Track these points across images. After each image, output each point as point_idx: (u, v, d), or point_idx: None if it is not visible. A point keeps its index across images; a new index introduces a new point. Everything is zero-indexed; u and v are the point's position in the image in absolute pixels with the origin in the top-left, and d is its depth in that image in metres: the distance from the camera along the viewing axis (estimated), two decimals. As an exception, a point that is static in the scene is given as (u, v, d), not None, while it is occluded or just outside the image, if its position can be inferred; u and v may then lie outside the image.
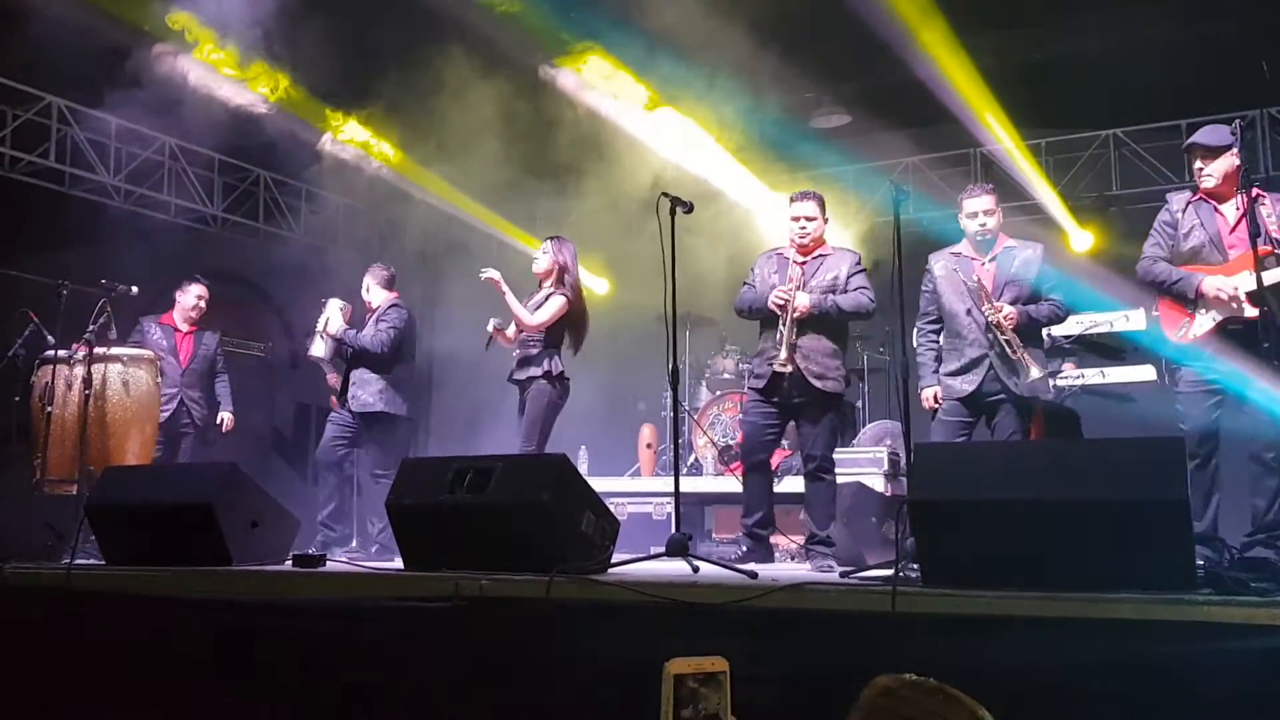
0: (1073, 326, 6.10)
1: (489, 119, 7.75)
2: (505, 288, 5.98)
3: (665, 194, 4.71)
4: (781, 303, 4.95)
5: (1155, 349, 5.60)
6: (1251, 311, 4.40)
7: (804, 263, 5.09)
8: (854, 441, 7.90)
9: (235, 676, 3.79)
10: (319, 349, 6.60)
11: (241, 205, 9.99)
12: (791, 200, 5.21)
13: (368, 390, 6.48)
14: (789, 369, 4.91)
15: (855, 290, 5.02)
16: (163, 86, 7.64)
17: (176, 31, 7.43)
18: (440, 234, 10.95)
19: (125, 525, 4.81)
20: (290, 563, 4.62)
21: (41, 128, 8.39)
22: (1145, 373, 6.16)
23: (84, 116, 8.52)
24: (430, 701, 3.45)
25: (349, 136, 8.86)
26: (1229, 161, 4.60)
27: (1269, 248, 4.35)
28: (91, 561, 4.89)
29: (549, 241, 6.25)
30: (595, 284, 10.47)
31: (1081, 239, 8.77)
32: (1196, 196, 4.73)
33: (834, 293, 5.02)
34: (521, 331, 6.05)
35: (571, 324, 6.09)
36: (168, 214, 9.40)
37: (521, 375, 6.00)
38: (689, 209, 4.76)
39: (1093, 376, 6.23)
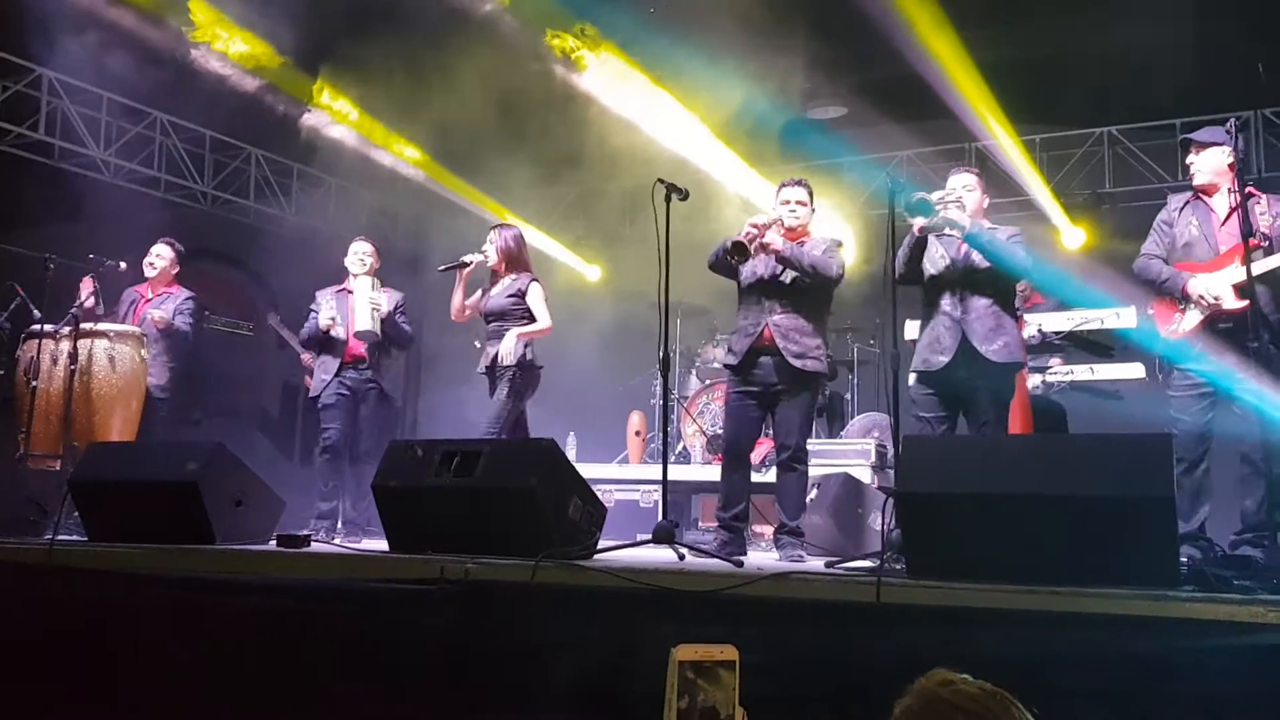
0: (1063, 323, 6.11)
1: (484, 101, 7.72)
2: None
3: (661, 180, 4.69)
4: (754, 230, 4.91)
5: (1145, 346, 5.63)
6: (1238, 304, 4.45)
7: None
8: (842, 433, 7.92)
9: (216, 656, 3.78)
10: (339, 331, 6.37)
11: (232, 183, 9.94)
12: (783, 185, 5.23)
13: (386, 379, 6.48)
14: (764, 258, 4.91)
15: (824, 254, 5.02)
16: (156, 60, 7.59)
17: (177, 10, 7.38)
18: (432, 217, 10.96)
19: (109, 502, 4.79)
20: (274, 543, 4.60)
21: (31, 100, 8.32)
22: (1134, 370, 6.17)
23: (74, 89, 8.45)
24: (414, 684, 3.45)
25: (339, 113, 8.81)
26: (1218, 158, 4.70)
27: (1257, 241, 4.45)
28: (74, 538, 4.86)
29: (492, 231, 6.21)
30: (588, 270, 10.48)
31: (1074, 236, 8.79)
32: (1194, 196, 4.82)
33: None
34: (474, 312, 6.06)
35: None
36: (158, 190, 9.35)
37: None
38: (684, 196, 4.75)
39: (1082, 373, 6.24)
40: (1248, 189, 4.55)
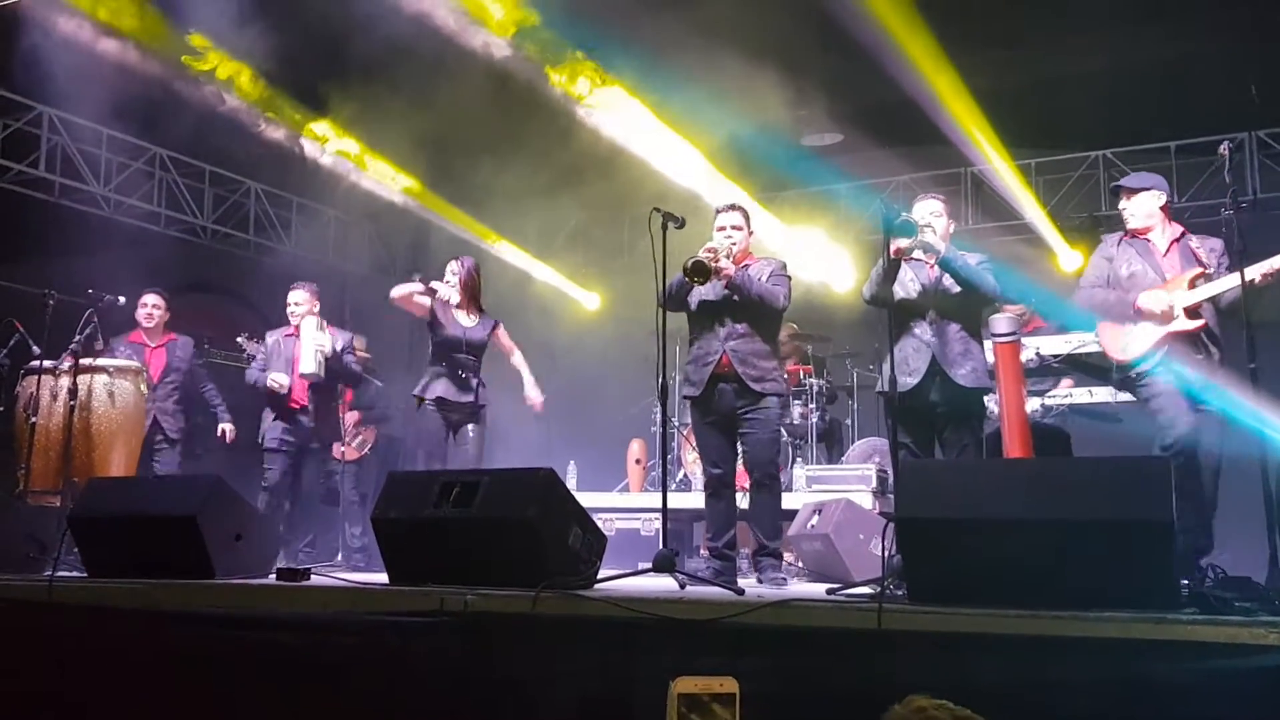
0: (1061, 346, 6.11)
1: (482, 132, 7.77)
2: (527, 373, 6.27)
3: (657, 209, 4.72)
4: (712, 254, 4.93)
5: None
6: (1189, 324, 4.57)
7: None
8: (842, 459, 7.90)
9: (218, 691, 3.76)
10: (307, 365, 6.67)
11: (232, 217, 9.98)
12: (718, 212, 5.31)
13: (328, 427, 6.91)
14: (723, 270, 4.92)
15: (773, 282, 5.04)
16: (155, 97, 7.63)
17: (178, 48, 7.43)
18: (432, 248, 10.99)
19: (108, 537, 4.76)
20: (274, 576, 4.59)
21: (32, 137, 8.37)
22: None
23: (74, 126, 8.50)
24: (415, 716, 3.43)
25: (337, 148, 8.86)
26: (1149, 202, 4.83)
27: (1201, 270, 4.62)
28: (73, 574, 4.85)
29: (454, 263, 6.32)
30: (587, 299, 10.50)
31: (1071, 259, 8.81)
32: (1128, 235, 4.93)
33: None
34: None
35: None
36: (157, 225, 9.38)
37: (467, 399, 6.05)
38: (681, 224, 4.78)
39: (1080, 395, 6.24)
40: (1164, 228, 4.79)
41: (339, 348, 6.72)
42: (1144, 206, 4.84)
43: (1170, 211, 4.86)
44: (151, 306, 7.02)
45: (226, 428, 7.18)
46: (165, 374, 6.98)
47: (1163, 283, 4.71)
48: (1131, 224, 4.88)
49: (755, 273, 5.09)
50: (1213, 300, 4.58)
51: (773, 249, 8.35)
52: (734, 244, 5.11)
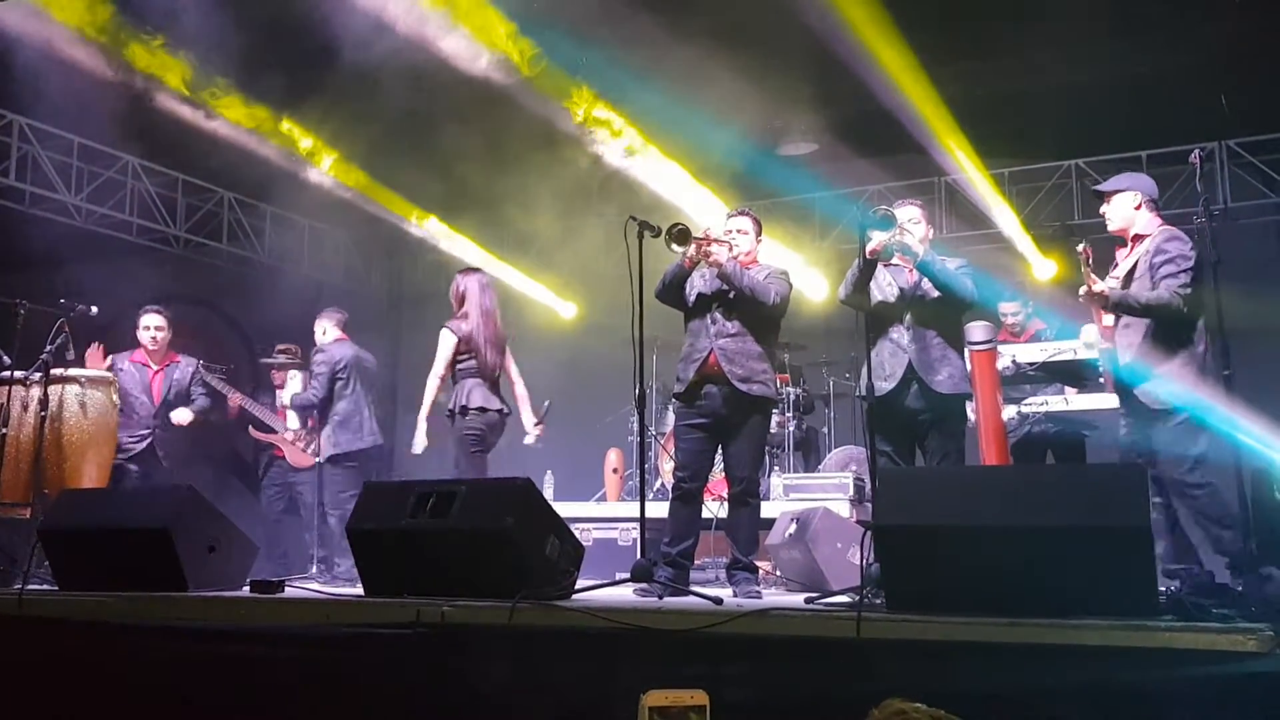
0: (1036, 354, 6.13)
1: (460, 141, 7.74)
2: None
3: (633, 217, 4.71)
4: (704, 237, 4.92)
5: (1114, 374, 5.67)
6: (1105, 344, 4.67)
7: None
8: (819, 467, 7.92)
9: (191, 704, 3.72)
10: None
11: (205, 226, 9.90)
12: (729, 216, 5.31)
13: (326, 439, 6.82)
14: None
15: (768, 280, 5.03)
16: (126, 106, 7.57)
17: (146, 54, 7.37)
18: (410, 256, 10.95)
19: (79, 549, 4.72)
20: (248, 589, 4.54)
21: (2, 145, 8.28)
22: (1109, 400, 6.19)
23: (45, 135, 8.42)
24: (390, 729, 3.40)
25: (314, 158, 8.82)
26: (1124, 204, 4.79)
27: (1103, 289, 4.53)
28: (44, 587, 4.79)
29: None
30: (563, 307, 10.48)
31: (1044, 267, 8.87)
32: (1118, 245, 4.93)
33: None
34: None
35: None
36: (130, 234, 9.30)
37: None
38: (657, 233, 4.76)
39: (1057, 403, 6.27)
40: (1135, 233, 4.72)
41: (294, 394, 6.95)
42: (1120, 209, 4.80)
43: (1155, 210, 4.76)
44: (155, 329, 6.96)
45: (183, 410, 6.98)
46: (167, 396, 6.94)
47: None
48: (1110, 227, 4.87)
49: (754, 273, 5.07)
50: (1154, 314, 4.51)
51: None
52: (735, 244, 5.10)
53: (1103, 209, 4.90)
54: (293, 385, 6.98)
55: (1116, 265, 4.77)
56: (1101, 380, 5.02)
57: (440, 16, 6.95)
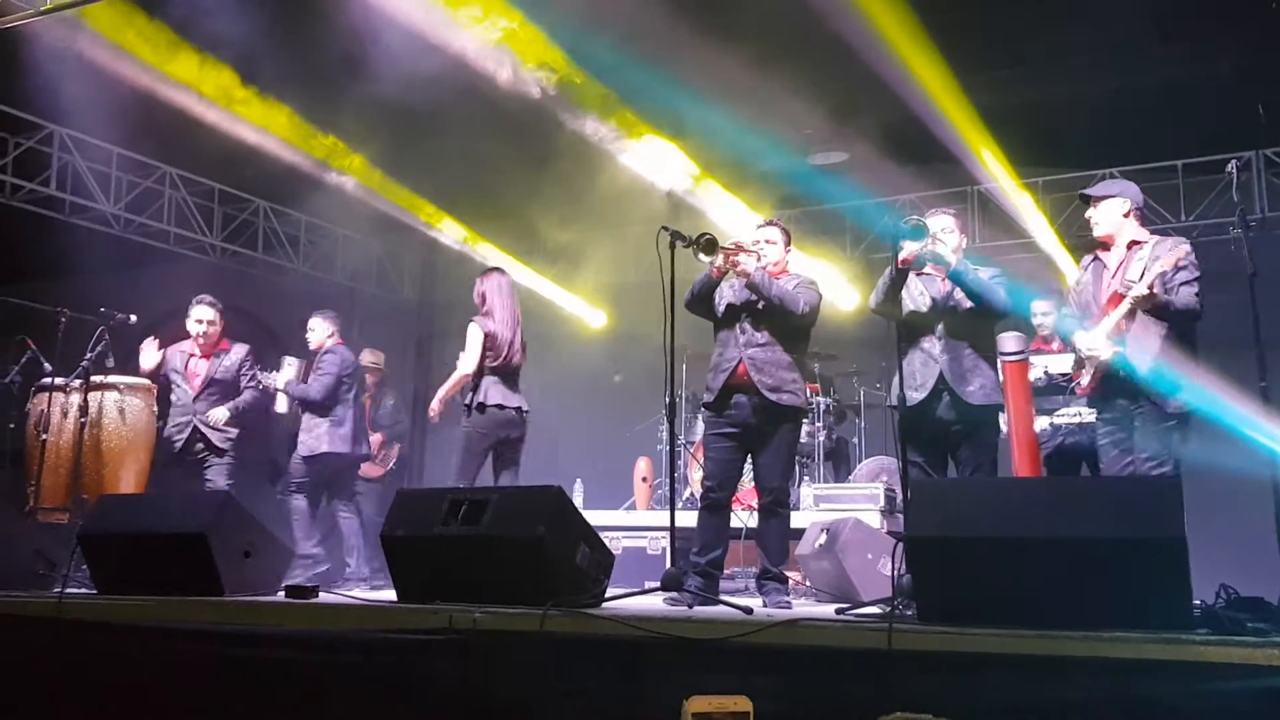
0: (1068, 364, 6.09)
1: (490, 149, 7.80)
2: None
3: (665, 228, 4.73)
4: (732, 247, 4.94)
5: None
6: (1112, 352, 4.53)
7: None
8: (850, 477, 7.89)
9: (226, 708, 3.76)
10: (281, 404, 6.96)
11: (241, 235, 10.02)
12: (757, 227, 5.32)
13: (313, 434, 6.89)
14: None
15: (797, 290, 5.03)
16: (163, 116, 7.68)
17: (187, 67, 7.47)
18: (442, 265, 11.02)
19: (117, 554, 4.78)
20: (283, 593, 4.59)
21: (42, 156, 8.42)
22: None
23: (85, 145, 8.56)
24: (422, 735, 3.42)
25: (348, 168, 8.90)
26: (1112, 210, 4.73)
27: (1122, 294, 4.48)
28: (83, 590, 4.86)
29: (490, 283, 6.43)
30: (593, 316, 10.51)
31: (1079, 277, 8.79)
32: (1094, 256, 4.87)
33: None
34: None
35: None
36: (167, 243, 9.43)
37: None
38: (688, 243, 4.78)
39: (1089, 414, 6.22)
40: (1129, 239, 4.66)
41: (288, 380, 6.96)
42: (1108, 215, 4.74)
43: (1142, 219, 4.75)
44: (207, 323, 6.79)
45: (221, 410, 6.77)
46: (206, 385, 6.74)
47: (1098, 311, 4.65)
48: (1095, 232, 4.81)
49: (783, 282, 5.07)
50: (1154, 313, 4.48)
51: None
52: (763, 254, 5.11)
53: (1089, 214, 4.83)
54: (287, 372, 6.91)
55: (1113, 271, 4.69)
56: (1074, 389, 4.92)
57: (475, 30, 6.99)
